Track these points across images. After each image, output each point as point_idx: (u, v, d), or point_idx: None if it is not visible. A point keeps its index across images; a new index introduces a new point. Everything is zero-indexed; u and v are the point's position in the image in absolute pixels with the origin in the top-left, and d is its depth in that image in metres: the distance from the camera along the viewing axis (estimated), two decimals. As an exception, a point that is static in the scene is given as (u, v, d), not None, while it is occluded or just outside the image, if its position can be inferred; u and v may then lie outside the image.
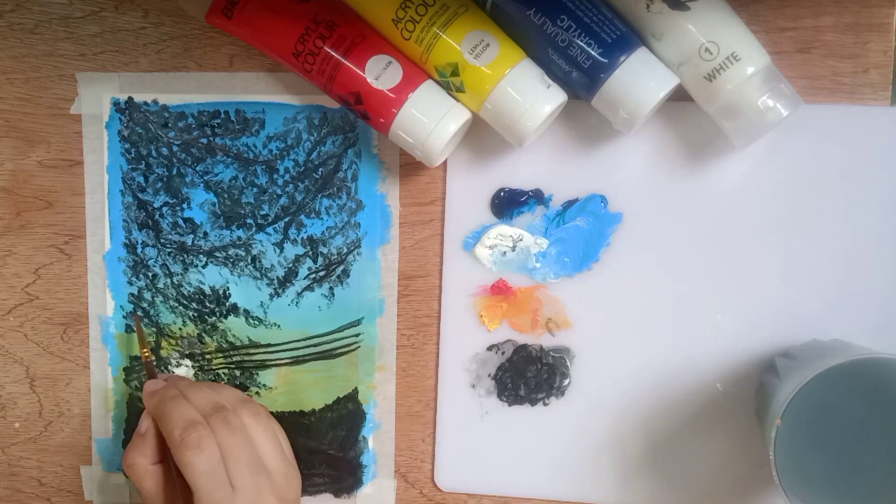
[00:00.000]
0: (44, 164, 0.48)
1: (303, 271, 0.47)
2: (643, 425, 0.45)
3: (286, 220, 0.47)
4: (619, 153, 0.43)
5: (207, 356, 0.48)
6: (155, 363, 0.48)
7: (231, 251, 0.47)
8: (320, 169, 0.46)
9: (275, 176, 0.46)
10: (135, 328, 0.48)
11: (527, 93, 0.39)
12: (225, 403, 0.42)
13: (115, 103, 0.47)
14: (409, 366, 0.47)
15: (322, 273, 0.47)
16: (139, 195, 0.48)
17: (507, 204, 0.45)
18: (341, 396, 0.47)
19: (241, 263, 0.47)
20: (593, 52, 0.38)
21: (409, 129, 0.41)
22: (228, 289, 0.48)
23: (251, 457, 0.40)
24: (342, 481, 0.48)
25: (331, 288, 0.47)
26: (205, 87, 0.46)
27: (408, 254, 0.46)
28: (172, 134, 0.47)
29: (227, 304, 0.48)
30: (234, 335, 0.48)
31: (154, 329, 0.48)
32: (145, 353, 0.46)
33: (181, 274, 0.48)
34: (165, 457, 0.42)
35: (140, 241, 0.48)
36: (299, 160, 0.46)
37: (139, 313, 0.48)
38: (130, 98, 0.47)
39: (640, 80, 0.38)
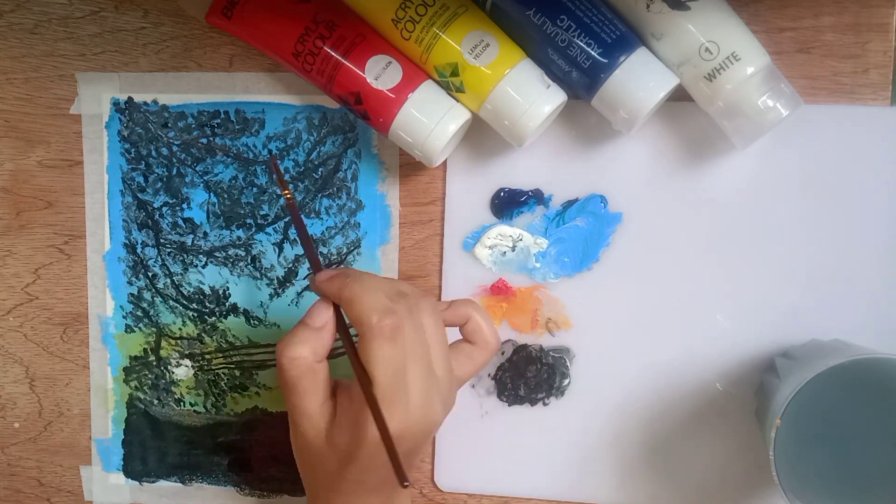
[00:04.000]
0: (44, 164, 0.48)
1: (303, 271, 0.47)
2: (643, 425, 0.45)
3: (286, 220, 0.47)
4: (619, 153, 0.43)
5: (207, 356, 0.48)
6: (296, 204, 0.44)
7: (231, 251, 0.47)
8: (320, 169, 0.46)
9: (275, 176, 0.46)
10: (272, 170, 0.44)
11: (526, 93, 0.39)
12: (408, 292, 0.38)
13: (115, 103, 0.47)
14: (408, 366, 0.47)
15: (322, 273, 0.47)
16: (139, 195, 0.48)
17: (507, 204, 0.45)
18: (341, 396, 0.47)
19: (241, 263, 0.47)
20: (593, 52, 0.38)
21: (408, 129, 0.41)
22: (228, 289, 0.48)
23: (426, 358, 0.36)
24: (342, 481, 0.47)
25: (331, 288, 0.47)
26: (205, 87, 0.46)
27: (408, 254, 0.46)
28: (172, 134, 0.47)
29: (227, 304, 0.48)
30: (234, 335, 0.48)
31: (154, 329, 0.48)
32: (287, 194, 0.41)
33: (181, 274, 0.48)
34: (328, 356, 0.38)
35: (140, 241, 0.48)
36: (299, 160, 0.46)
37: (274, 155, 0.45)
38: (130, 98, 0.47)
39: (639, 80, 0.38)
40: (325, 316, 0.37)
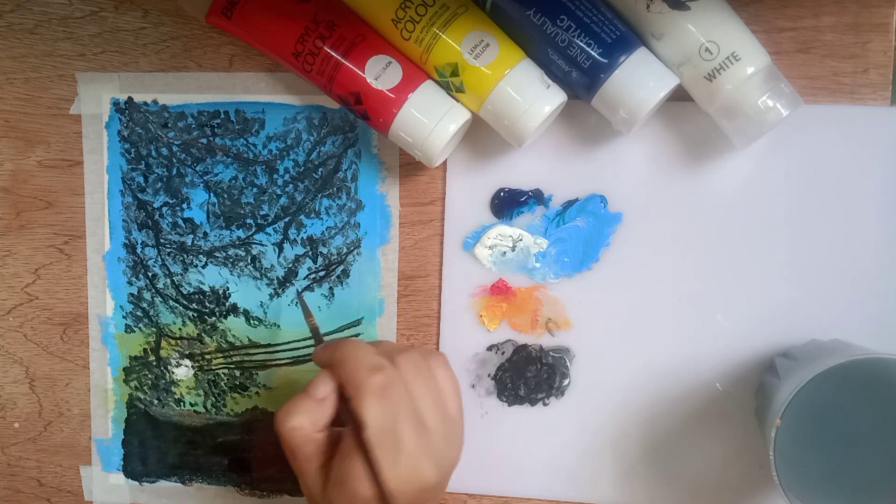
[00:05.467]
0: (44, 164, 0.48)
1: (302, 271, 0.47)
2: (643, 425, 0.45)
3: (286, 220, 0.47)
4: (619, 153, 0.43)
5: (207, 356, 0.48)
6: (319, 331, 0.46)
7: (231, 251, 0.47)
8: (320, 169, 0.46)
9: (275, 176, 0.46)
10: (301, 306, 0.46)
11: (526, 93, 0.39)
12: (395, 349, 0.39)
13: (115, 103, 0.47)
14: (408, 366, 0.47)
15: (322, 273, 0.47)
16: (139, 195, 0.48)
17: (507, 204, 0.45)
18: (341, 396, 0.47)
19: (241, 263, 0.47)
20: (593, 53, 0.38)
21: (408, 129, 0.41)
22: (228, 289, 0.47)
23: (415, 413, 0.37)
24: (342, 481, 0.47)
25: (330, 288, 0.47)
26: (205, 87, 0.46)
27: (407, 254, 0.46)
28: (172, 134, 0.47)
29: (227, 304, 0.48)
30: (233, 335, 0.48)
31: (154, 329, 0.48)
32: (312, 320, 0.44)
33: (181, 274, 0.48)
34: (331, 424, 0.39)
35: (140, 241, 0.48)
36: (299, 160, 0.46)
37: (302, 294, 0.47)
38: (130, 98, 0.47)
39: (639, 80, 0.38)
40: (328, 387, 0.38)
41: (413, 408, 0.37)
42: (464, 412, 0.46)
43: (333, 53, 0.41)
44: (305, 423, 0.37)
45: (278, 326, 0.47)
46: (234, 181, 0.47)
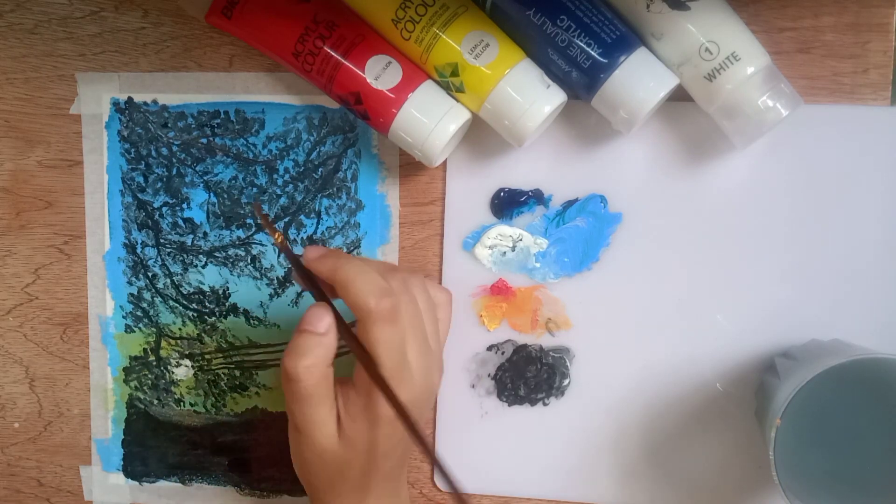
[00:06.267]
0: (44, 164, 0.48)
1: (303, 271, 0.47)
2: (643, 425, 0.45)
3: (286, 220, 0.47)
4: (619, 153, 0.43)
5: (207, 356, 0.48)
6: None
7: (231, 251, 0.47)
8: (320, 169, 0.46)
9: (275, 176, 0.46)
10: (259, 218, 0.44)
11: (526, 93, 0.39)
12: (398, 269, 0.39)
13: (115, 103, 0.47)
14: (408, 366, 0.47)
15: (322, 273, 0.47)
16: (139, 195, 0.48)
17: (507, 204, 0.45)
18: (341, 396, 0.47)
19: (241, 263, 0.47)
20: (593, 53, 0.38)
21: (408, 129, 0.41)
22: (228, 289, 0.47)
23: (423, 333, 0.37)
24: (342, 481, 0.47)
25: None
26: (205, 87, 0.46)
27: (408, 254, 0.46)
28: (172, 134, 0.47)
29: (227, 304, 0.48)
30: (233, 335, 0.48)
31: (154, 329, 0.48)
32: (278, 236, 0.40)
33: (181, 274, 0.48)
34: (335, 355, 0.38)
35: (140, 241, 0.48)
36: (299, 160, 0.46)
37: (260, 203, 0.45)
38: (130, 98, 0.47)
39: (639, 80, 0.38)
40: (328, 319, 0.36)
41: (420, 328, 0.37)
42: (463, 412, 0.46)
43: (333, 53, 0.41)
44: (318, 359, 0.36)
45: (278, 326, 0.47)
46: (234, 181, 0.47)
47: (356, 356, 0.36)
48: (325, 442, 0.37)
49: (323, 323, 0.36)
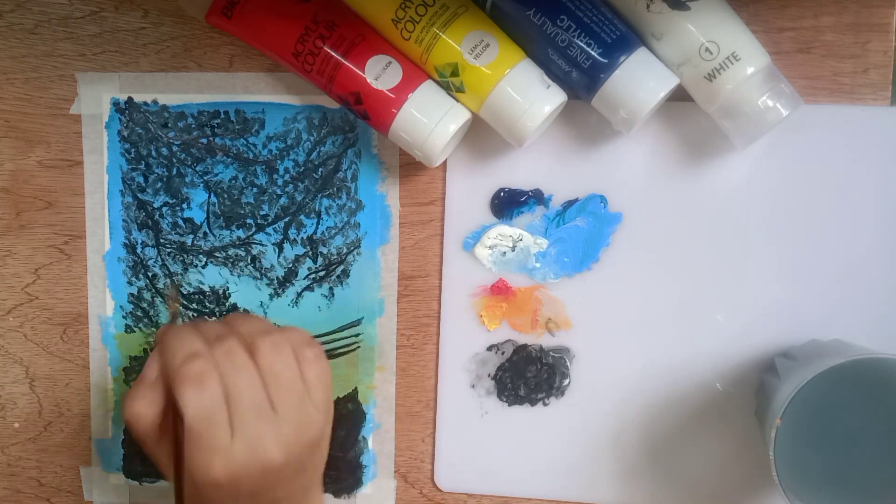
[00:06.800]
0: (44, 164, 0.48)
1: (303, 271, 0.47)
2: (643, 425, 0.45)
3: (286, 220, 0.47)
4: (619, 153, 0.43)
5: (207, 356, 0.48)
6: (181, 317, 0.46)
7: (231, 251, 0.47)
8: (320, 169, 0.46)
9: (275, 176, 0.46)
10: (167, 293, 0.46)
11: (526, 93, 0.39)
12: (238, 334, 0.37)
13: (115, 103, 0.47)
14: (408, 366, 0.47)
15: (322, 273, 0.47)
16: (139, 195, 0.48)
17: (507, 204, 0.45)
18: (341, 396, 0.47)
19: (241, 263, 0.47)
20: (593, 52, 0.38)
21: (409, 129, 0.41)
22: (228, 289, 0.47)
23: (256, 398, 0.35)
24: (342, 481, 0.48)
25: (330, 288, 0.47)
26: (205, 87, 0.46)
27: (407, 254, 0.46)
28: (172, 134, 0.47)
29: (227, 304, 0.48)
30: (233, 335, 0.48)
31: (154, 329, 0.48)
32: (175, 306, 0.42)
33: (181, 274, 0.48)
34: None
35: (140, 241, 0.48)
36: (299, 160, 0.46)
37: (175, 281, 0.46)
38: (130, 98, 0.47)
39: (640, 80, 0.38)
40: (156, 368, 0.36)
41: (256, 392, 0.35)
42: (463, 412, 0.46)
43: (333, 53, 0.41)
44: (146, 408, 0.35)
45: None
46: (234, 181, 0.47)
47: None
48: (169, 479, 0.36)
49: (150, 371, 0.36)
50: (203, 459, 0.34)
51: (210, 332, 0.37)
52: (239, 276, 0.47)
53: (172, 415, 0.35)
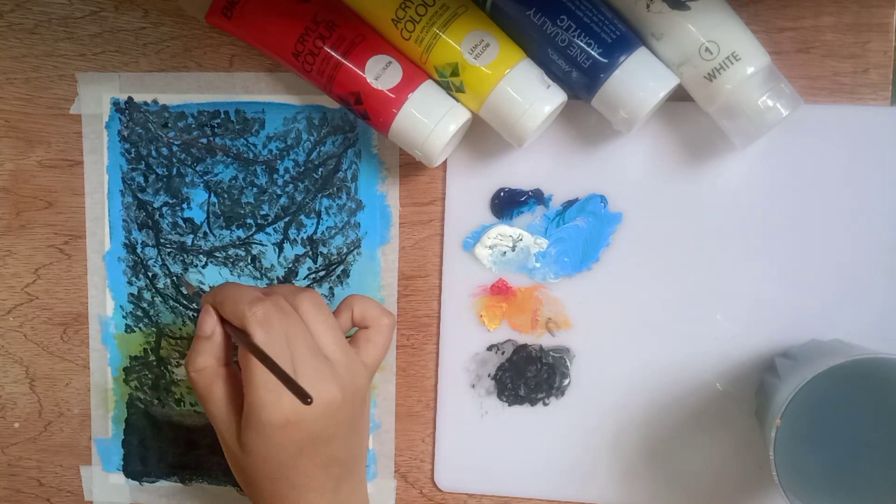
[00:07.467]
0: (44, 164, 0.48)
1: (303, 271, 0.47)
2: (643, 425, 0.45)
3: (286, 220, 0.47)
4: (619, 153, 0.43)
5: (207, 356, 0.48)
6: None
7: (231, 251, 0.47)
8: (320, 169, 0.46)
9: (275, 176, 0.46)
10: (184, 287, 0.48)
11: (526, 93, 0.39)
12: (282, 290, 0.40)
13: (115, 103, 0.47)
14: (408, 366, 0.47)
15: (322, 273, 0.47)
16: (139, 195, 0.48)
17: (507, 204, 0.45)
18: (341, 396, 0.47)
19: (241, 263, 0.47)
20: (593, 52, 0.38)
21: (409, 129, 0.41)
22: (228, 289, 0.47)
23: (310, 341, 0.37)
24: (342, 481, 0.47)
25: (331, 288, 0.47)
26: (205, 87, 0.46)
27: (408, 254, 0.46)
28: (172, 134, 0.47)
29: (227, 304, 0.48)
30: (233, 335, 0.48)
31: (154, 329, 0.48)
32: (193, 287, 0.47)
33: (181, 274, 0.48)
34: (230, 360, 0.40)
35: (140, 241, 0.48)
36: (299, 160, 0.46)
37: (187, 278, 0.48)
38: (130, 98, 0.47)
39: (640, 80, 0.38)
40: (210, 322, 0.39)
41: (304, 336, 0.37)
42: (463, 412, 0.46)
43: (333, 53, 0.41)
44: (208, 360, 0.38)
45: (278, 326, 0.47)
46: (234, 181, 0.47)
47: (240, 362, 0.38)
48: (230, 443, 0.38)
49: (207, 326, 0.39)
50: (271, 398, 0.36)
51: (259, 287, 0.39)
52: (239, 276, 0.47)
53: (237, 361, 0.38)
